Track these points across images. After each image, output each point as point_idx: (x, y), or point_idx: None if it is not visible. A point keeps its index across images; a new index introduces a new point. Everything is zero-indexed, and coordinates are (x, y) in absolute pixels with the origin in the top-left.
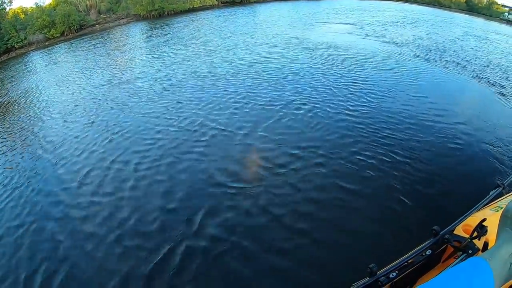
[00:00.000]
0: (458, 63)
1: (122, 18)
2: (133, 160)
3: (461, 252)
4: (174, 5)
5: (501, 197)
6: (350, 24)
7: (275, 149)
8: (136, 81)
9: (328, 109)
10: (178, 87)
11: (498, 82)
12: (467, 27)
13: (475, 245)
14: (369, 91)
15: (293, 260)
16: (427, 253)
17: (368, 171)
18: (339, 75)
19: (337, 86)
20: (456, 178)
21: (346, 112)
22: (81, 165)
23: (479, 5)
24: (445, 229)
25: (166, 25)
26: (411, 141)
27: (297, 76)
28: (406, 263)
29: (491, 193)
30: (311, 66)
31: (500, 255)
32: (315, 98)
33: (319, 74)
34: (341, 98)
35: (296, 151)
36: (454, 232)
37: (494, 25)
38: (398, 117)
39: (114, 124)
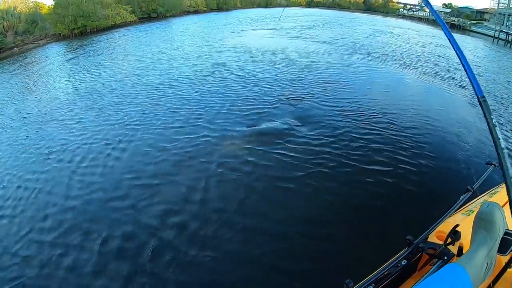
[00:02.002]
0: (386, 56)
1: (41, 39)
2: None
3: (436, 259)
4: (97, 22)
5: (471, 201)
6: (274, 29)
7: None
8: (67, 105)
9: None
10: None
11: (428, 71)
12: (371, 24)
13: (450, 251)
14: (317, 91)
15: (263, 276)
16: (403, 263)
17: (334, 184)
18: (283, 75)
19: (282, 88)
20: (426, 185)
21: (296, 124)
22: None
23: (376, 4)
24: (419, 238)
25: (89, 43)
26: (376, 149)
27: (233, 79)
28: (382, 276)
29: (461, 197)
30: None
31: (476, 257)
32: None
33: (262, 77)
34: (291, 109)
35: (242, 165)
36: (428, 240)
37: (393, 20)
38: (360, 124)
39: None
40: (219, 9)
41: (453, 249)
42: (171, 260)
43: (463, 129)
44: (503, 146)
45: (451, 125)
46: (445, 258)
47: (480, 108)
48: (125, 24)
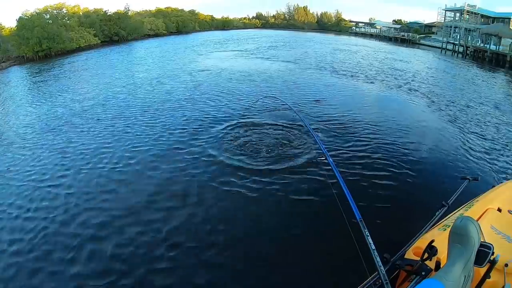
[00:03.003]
0: (349, 72)
1: (3, 62)
2: None
3: (414, 275)
4: (62, 45)
5: (447, 215)
6: (238, 51)
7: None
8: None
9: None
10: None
11: (393, 83)
12: (328, 43)
13: (427, 266)
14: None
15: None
16: (380, 281)
17: (308, 204)
18: (256, 93)
19: (256, 106)
20: (402, 202)
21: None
22: None
23: (329, 23)
24: (396, 255)
25: (55, 66)
26: (349, 166)
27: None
28: None
29: (437, 213)
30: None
31: (453, 271)
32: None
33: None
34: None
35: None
36: (405, 257)
37: (347, 38)
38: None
39: None
40: (178, 32)
41: (431, 264)
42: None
43: (436, 144)
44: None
45: (424, 141)
46: (423, 273)
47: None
48: (88, 47)
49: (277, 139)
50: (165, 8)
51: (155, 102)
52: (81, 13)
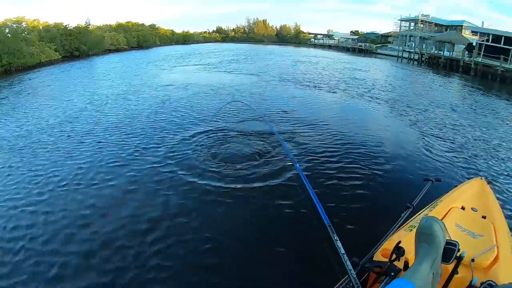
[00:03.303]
0: (312, 82)
1: None
2: None
3: (384, 276)
4: (22, 60)
5: (412, 217)
6: (201, 65)
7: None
8: None
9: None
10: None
11: (355, 92)
12: (288, 55)
13: (396, 266)
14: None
15: None
16: (351, 284)
17: (277, 214)
18: (223, 106)
19: (224, 119)
20: (368, 205)
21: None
22: None
23: (288, 35)
24: (365, 258)
25: (16, 82)
26: (316, 172)
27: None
28: None
29: (402, 215)
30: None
31: (421, 270)
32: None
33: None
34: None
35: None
36: (374, 259)
37: (306, 50)
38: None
39: None
40: (139, 47)
41: (399, 264)
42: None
43: (400, 149)
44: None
45: (388, 146)
46: (392, 274)
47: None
48: (49, 63)
49: (247, 148)
50: (126, 22)
51: (122, 118)
52: (41, 28)
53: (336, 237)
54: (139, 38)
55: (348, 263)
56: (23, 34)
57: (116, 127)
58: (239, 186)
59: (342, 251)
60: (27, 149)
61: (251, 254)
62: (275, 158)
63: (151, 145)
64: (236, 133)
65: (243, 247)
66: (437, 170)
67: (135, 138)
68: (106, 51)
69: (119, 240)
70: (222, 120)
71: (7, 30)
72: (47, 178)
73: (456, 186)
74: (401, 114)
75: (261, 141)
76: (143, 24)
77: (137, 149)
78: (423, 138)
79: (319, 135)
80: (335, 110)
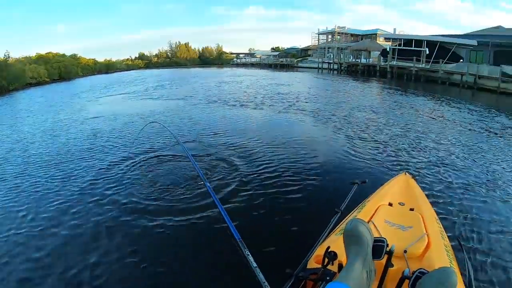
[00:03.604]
0: (239, 101)
1: None
2: None
3: (320, 282)
4: None
5: (341, 221)
6: (126, 93)
7: None
8: None
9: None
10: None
11: (278, 105)
12: (213, 77)
13: (330, 271)
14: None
15: None
16: None
17: (195, 224)
18: (157, 132)
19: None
20: (297, 214)
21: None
22: None
23: (211, 57)
24: (298, 268)
25: None
26: (238, 183)
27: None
28: None
29: (331, 220)
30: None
31: (353, 270)
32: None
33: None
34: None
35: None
36: (308, 267)
37: (230, 70)
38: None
39: None
40: (61, 79)
41: (333, 268)
42: None
43: (325, 155)
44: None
45: (313, 154)
46: (328, 278)
47: None
48: None
49: (161, 172)
50: (46, 53)
51: (51, 155)
52: None
53: (247, 252)
54: (60, 69)
55: (261, 276)
56: None
57: (46, 165)
58: (153, 209)
59: (254, 264)
60: None
61: (168, 275)
62: (189, 180)
63: (81, 178)
64: (153, 159)
65: (160, 269)
66: (363, 172)
67: (65, 173)
68: (27, 85)
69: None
70: (145, 147)
71: None
72: None
73: (382, 184)
74: (326, 122)
75: (177, 163)
76: (64, 55)
77: (67, 182)
78: (348, 143)
79: (243, 150)
80: (260, 126)
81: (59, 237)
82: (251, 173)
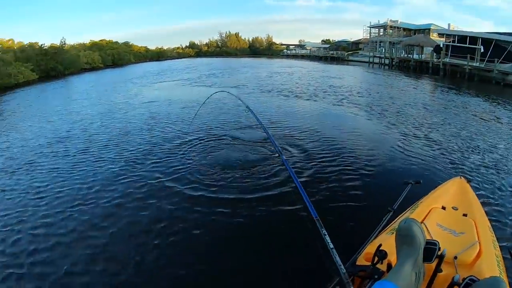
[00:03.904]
0: (292, 92)
1: None
2: None
3: (368, 280)
4: (0, 81)
5: (393, 220)
6: (181, 80)
7: None
8: None
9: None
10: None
11: (337, 101)
12: (263, 67)
13: (379, 269)
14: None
15: None
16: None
17: (257, 216)
18: (215, 119)
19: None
20: (349, 211)
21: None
22: None
23: (261, 47)
24: (347, 263)
25: None
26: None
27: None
28: None
29: (383, 219)
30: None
31: (403, 270)
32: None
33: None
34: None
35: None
36: (357, 263)
37: (280, 61)
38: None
39: None
40: (114, 65)
41: (382, 267)
42: None
43: (379, 152)
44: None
45: (367, 150)
46: (376, 277)
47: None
48: (27, 83)
49: (237, 149)
50: (100, 41)
51: (111, 136)
52: (15, 48)
53: (324, 231)
54: (113, 56)
55: (338, 258)
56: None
57: (106, 145)
58: (229, 185)
59: (331, 245)
60: (20, 171)
61: (244, 252)
62: (262, 156)
63: (143, 160)
64: (225, 136)
65: (235, 247)
66: (416, 172)
67: (127, 154)
68: (82, 70)
69: (117, 253)
70: (208, 124)
71: None
72: (43, 198)
73: (436, 186)
74: (379, 118)
75: (252, 142)
76: (117, 42)
77: (130, 164)
78: (402, 140)
79: (299, 140)
80: (316, 117)
81: (125, 209)
82: (305, 163)
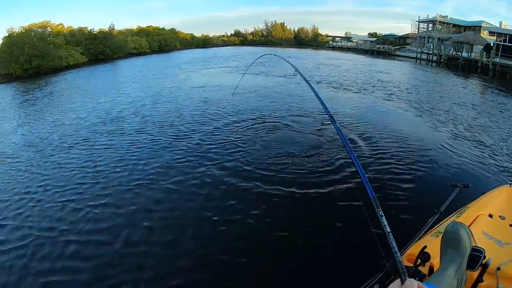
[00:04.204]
0: (341, 84)
1: None
2: None
3: None
4: (52, 63)
5: (439, 222)
6: (229, 67)
7: None
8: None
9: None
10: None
11: (385, 95)
12: (309, 58)
13: (421, 271)
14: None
15: None
16: (375, 287)
17: (306, 209)
18: (269, 107)
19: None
20: (395, 209)
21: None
22: None
23: (306, 38)
24: (390, 262)
25: (46, 84)
26: (347, 174)
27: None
28: None
29: (429, 220)
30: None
31: (445, 275)
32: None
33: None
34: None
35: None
36: None
37: (326, 53)
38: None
39: None
40: (160, 51)
41: (424, 270)
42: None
43: (428, 152)
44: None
45: (416, 149)
46: (417, 279)
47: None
48: (76, 66)
49: (289, 132)
50: (147, 27)
51: (167, 117)
52: (65, 32)
53: (381, 212)
54: (160, 42)
55: (394, 244)
56: (50, 38)
57: (161, 126)
58: (283, 163)
59: (388, 229)
60: (77, 146)
61: (281, 255)
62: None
63: (196, 142)
64: (280, 119)
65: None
66: (465, 175)
67: (181, 135)
68: (129, 54)
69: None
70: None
71: (32, 34)
72: (100, 173)
73: (484, 193)
74: (429, 116)
75: (310, 123)
76: (163, 28)
77: (185, 145)
78: (451, 141)
79: (350, 130)
80: (366, 110)
81: (181, 187)
82: (359, 154)
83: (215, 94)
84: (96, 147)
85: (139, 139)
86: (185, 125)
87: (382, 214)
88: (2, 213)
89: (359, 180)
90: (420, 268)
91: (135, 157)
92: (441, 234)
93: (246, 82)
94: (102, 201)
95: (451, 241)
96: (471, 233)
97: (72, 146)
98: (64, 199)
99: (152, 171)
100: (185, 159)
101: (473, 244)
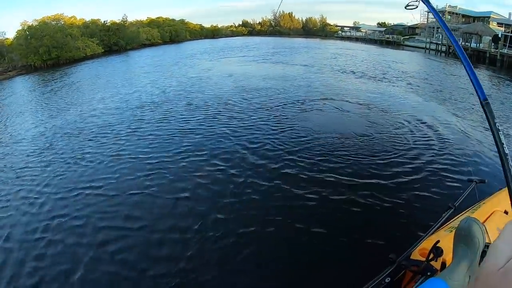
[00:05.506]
0: (363, 73)
1: (10, 71)
2: None
3: (420, 275)
4: (70, 53)
5: (453, 217)
6: (246, 56)
7: None
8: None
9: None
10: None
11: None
12: (319, 48)
13: (432, 266)
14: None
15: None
16: (386, 280)
17: (318, 204)
18: (284, 96)
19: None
20: (409, 203)
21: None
22: None
23: (314, 28)
24: (402, 256)
25: (65, 74)
26: (359, 167)
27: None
28: None
29: (443, 215)
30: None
31: (457, 271)
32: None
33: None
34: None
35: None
36: (411, 257)
37: (335, 43)
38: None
39: None
40: (171, 41)
41: (436, 265)
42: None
43: (445, 145)
44: (506, 152)
45: (433, 139)
46: (428, 274)
47: (481, 112)
48: (92, 56)
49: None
50: (157, 18)
51: (193, 107)
52: (78, 24)
53: (494, 120)
54: (171, 33)
55: None
56: (67, 30)
57: (187, 114)
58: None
59: (501, 138)
60: (103, 133)
61: (290, 250)
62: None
63: (226, 130)
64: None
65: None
66: (480, 170)
67: (218, 123)
68: (142, 45)
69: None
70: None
71: (52, 26)
72: (121, 158)
73: (500, 189)
74: (447, 106)
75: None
76: (173, 19)
77: (215, 132)
78: (468, 134)
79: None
80: (394, 99)
81: (203, 177)
82: (371, 150)
83: (249, 82)
84: (122, 135)
85: (166, 127)
86: (212, 111)
87: (499, 128)
88: (64, 204)
89: (378, 173)
90: (432, 263)
91: (161, 145)
92: (454, 230)
93: (273, 71)
94: (128, 186)
95: (464, 237)
96: (485, 230)
97: (97, 135)
98: (132, 192)
99: (181, 158)
100: (216, 146)
101: (487, 241)
